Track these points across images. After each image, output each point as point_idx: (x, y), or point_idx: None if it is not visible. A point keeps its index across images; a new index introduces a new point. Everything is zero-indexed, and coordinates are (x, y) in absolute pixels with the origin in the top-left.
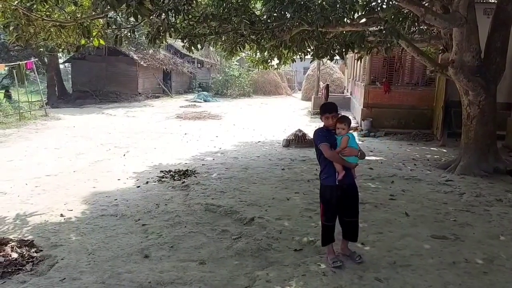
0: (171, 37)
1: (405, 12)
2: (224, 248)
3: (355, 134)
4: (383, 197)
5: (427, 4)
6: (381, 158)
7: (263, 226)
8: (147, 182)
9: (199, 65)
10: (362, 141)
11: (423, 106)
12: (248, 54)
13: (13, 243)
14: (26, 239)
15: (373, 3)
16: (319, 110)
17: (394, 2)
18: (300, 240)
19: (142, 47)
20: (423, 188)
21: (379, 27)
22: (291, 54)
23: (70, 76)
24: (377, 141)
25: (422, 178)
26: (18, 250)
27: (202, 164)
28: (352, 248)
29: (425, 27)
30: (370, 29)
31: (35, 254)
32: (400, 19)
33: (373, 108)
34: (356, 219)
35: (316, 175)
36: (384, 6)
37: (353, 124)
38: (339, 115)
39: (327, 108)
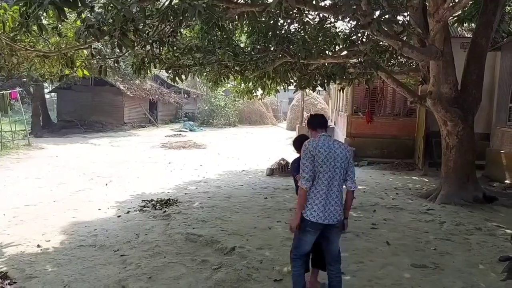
0: (155, 68)
1: (384, 45)
2: (203, 279)
3: None
4: (365, 226)
5: (404, 37)
6: (363, 187)
7: (244, 256)
8: (128, 212)
9: (185, 95)
10: None
11: (405, 136)
12: (232, 84)
13: None
14: None
15: (353, 37)
16: (292, 144)
17: (373, 36)
18: (281, 270)
19: (128, 77)
20: (404, 217)
21: (359, 59)
22: (275, 84)
23: (55, 106)
24: (360, 170)
25: (404, 207)
26: None
27: (185, 193)
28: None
29: (404, 60)
30: (351, 61)
31: (8, 287)
32: (379, 51)
33: (356, 137)
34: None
35: None
36: (364, 40)
37: None
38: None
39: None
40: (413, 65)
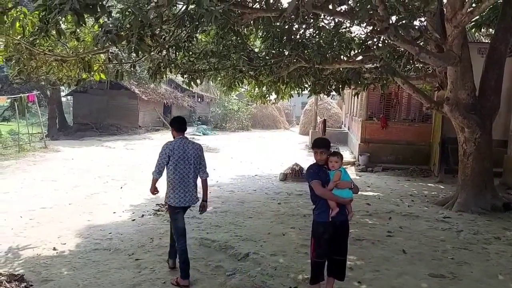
0: (171, 73)
1: (400, 50)
2: (217, 285)
3: (352, 168)
4: (381, 233)
5: (421, 43)
6: (378, 193)
7: (258, 262)
8: (142, 215)
9: (199, 99)
10: (359, 176)
11: (421, 142)
12: (246, 89)
13: (2, 278)
14: (16, 273)
15: (369, 42)
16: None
17: (389, 41)
18: (295, 277)
19: (143, 81)
20: (420, 225)
21: (375, 64)
22: (289, 89)
23: (71, 108)
24: (374, 177)
25: (419, 215)
26: (7, 285)
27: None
28: (347, 287)
29: (420, 65)
30: (366, 66)
31: None
32: (396, 57)
33: (370, 143)
34: (345, 258)
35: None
36: (380, 45)
37: (350, 159)
38: (331, 151)
39: (315, 143)
40: (430, 70)
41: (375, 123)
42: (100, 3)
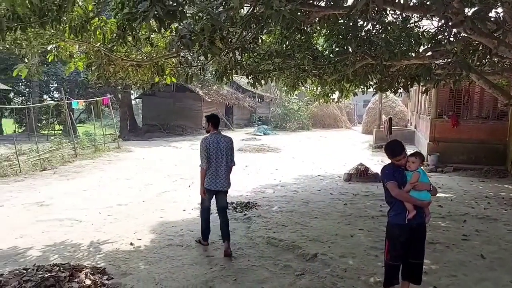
0: (237, 74)
1: (475, 44)
2: (287, 284)
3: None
4: (455, 237)
5: (499, 35)
6: (450, 195)
7: (327, 263)
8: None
9: (259, 99)
10: (429, 177)
11: (495, 140)
12: (309, 88)
13: (87, 270)
14: (98, 266)
15: (440, 36)
16: (384, 150)
17: (464, 35)
18: (367, 280)
19: (207, 84)
20: (499, 229)
21: (446, 59)
22: (353, 87)
23: (140, 111)
24: (445, 177)
25: (497, 218)
26: (91, 277)
27: (263, 197)
28: None
29: (497, 59)
30: (437, 61)
31: (106, 282)
32: (471, 51)
33: (440, 142)
34: (422, 261)
35: (381, 212)
36: (452, 39)
37: None
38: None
39: (397, 151)
40: (507, 65)
41: (445, 121)
42: (180, 8)
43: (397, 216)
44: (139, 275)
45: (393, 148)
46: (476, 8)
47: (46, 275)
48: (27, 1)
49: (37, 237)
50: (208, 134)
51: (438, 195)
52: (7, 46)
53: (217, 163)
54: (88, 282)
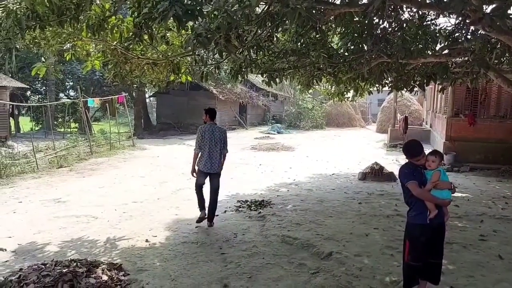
0: (252, 73)
1: (493, 41)
2: (302, 283)
3: None
4: (472, 237)
5: None
6: (467, 195)
7: (342, 262)
8: (225, 211)
9: (273, 98)
10: None
11: None
12: (323, 86)
13: (103, 266)
14: (115, 262)
15: (457, 34)
16: (402, 150)
17: (483, 32)
18: (382, 279)
19: (221, 82)
20: None
21: (464, 57)
22: (368, 86)
23: (154, 109)
24: (461, 177)
25: None
26: (108, 273)
27: (277, 195)
28: None
29: None
30: (454, 60)
31: (123, 278)
32: (489, 49)
33: (456, 141)
34: (441, 261)
35: (396, 211)
36: (469, 37)
37: None
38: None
39: (417, 151)
40: None
41: (461, 120)
42: (198, 8)
43: (418, 216)
44: (155, 271)
45: (413, 148)
46: (495, 5)
47: (64, 270)
48: (46, 0)
49: (54, 233)
50: (204, 124)
51: (455, 194)
52: (26, 44)
53: (211, 149)
54: (105, 277)
